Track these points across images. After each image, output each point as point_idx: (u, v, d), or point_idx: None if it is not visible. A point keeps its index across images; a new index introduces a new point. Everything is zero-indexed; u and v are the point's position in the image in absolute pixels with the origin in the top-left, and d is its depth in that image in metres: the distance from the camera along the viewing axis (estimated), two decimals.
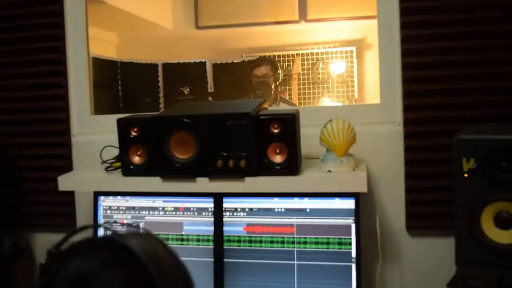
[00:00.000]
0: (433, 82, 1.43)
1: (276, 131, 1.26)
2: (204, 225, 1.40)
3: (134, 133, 1.34)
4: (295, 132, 1.26)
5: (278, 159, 1.27)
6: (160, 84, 3.99)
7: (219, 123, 1.26)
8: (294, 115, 1.26)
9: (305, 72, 4.84)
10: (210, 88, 4.04)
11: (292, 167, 1.26)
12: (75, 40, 1.72)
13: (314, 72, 4.74)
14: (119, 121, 1.34)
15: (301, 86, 4.83)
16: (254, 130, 1.25)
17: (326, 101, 4.47)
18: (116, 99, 3.64)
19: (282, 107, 3.00)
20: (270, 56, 4.53)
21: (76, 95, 1.72)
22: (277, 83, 3.05)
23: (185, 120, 1.28)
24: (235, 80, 3.97)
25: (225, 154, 1.27)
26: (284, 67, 4.70)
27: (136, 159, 1.35)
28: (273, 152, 1.27)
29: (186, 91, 2.84)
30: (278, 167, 1.26)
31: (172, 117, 1.29)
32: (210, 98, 3.64)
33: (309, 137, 1.39)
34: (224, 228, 1.38)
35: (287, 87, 4.78)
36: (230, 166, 1.26)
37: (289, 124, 1.25)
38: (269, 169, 1.26)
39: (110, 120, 1.45)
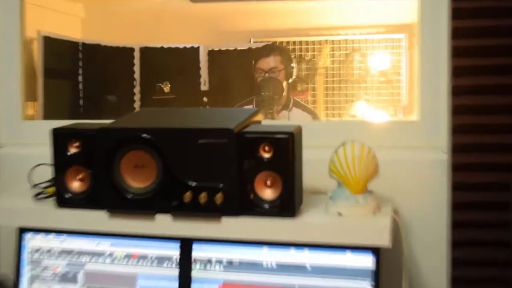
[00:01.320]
0: (494, 93, 1.41)
1: (267, 155, 1.25)
2: (166, 280, 1.38)
3: (74, 150, 1.33)
4: (293, 157, 1.24)
5: (268, 194, 1.26)
6: (136, 75, 4.00)
7: (189, 142, 1.25)
8: (293, 135, 1.24)
9: (335, 66, 4.82)
10: (204, 84, 4.05)
11: (287, 205, 1.24)
12: (2, 9, 1.71)
13: (348, 66, 4.72)
14: (54, 132, 1.33)
15: (329, 85, 4.80)
16: (237, 153, 1.24)
17: (362, 107, 4.46)
18: (75, 95, 3.67)
19: (295, 115, 2.99)
20: (284, 43, 4.55)
21: (2, 91, 1.72)
22: (290, 80, 3.03)
23: (143, 135, 1.27)
24: (239, 75, 3.98)
25: (196, 184, 1.26)
26: (305, 59, 4.70)
27: (76, 186, 1.34)
28: (262, 184, 1.26)
29: (166, 88, 2.83)
30: (268, 205, 1.25)
31: (125, 131, 1.28)
32: (205, 99, 3.65)
33: (318, 163, 1.38)
34: (193, 286, 1.35)
35: (309, 86, 4.78)
36: (202, 201, 1.25)
37: (285, 146, 1.24)
38: (256, 208, 1.25)
39: (49, 128, 1.43)
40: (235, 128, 1.25)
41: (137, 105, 3.98)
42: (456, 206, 1.46)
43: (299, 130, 1.30)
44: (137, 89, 3.91)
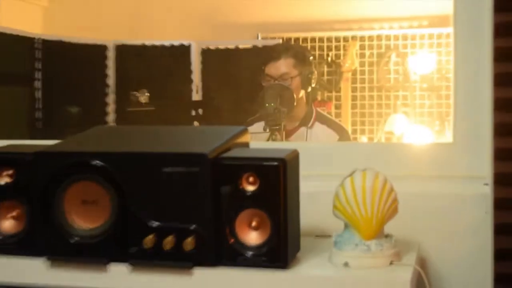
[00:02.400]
0: None
1: (251, 188, 1.25)
2: None
3: (6, 180, 1.34)
4: (285, 190, 1.24)
5: (253, 238, 1.25)
6: (110, 80, 4.03)
7: (151, 170, 1.25)
8: (284, 162, 1.24)
9: (365, 69, 4.81)
10: (196, 91, 4.07)
11: (278, 253, 1.24)
12: None
13: (381, 69, 4.71)
14: None
15: (358, 94, 4.80)
16: (213, 185, 1.24)
17: (400, 121, 4.44)
18: (31, 106, 3.70)
19: (317, 133, 2.99)
20: (301, 40, 4.56)
21: None
22: (309, 88, 3.03)
23: (93, 161, 1.27)
24: (242, 81, 3.99)
25: (160, 225, 1.25)
26: (327, 60, 4.71)
27: (8, 225, 1.35)
28: (245, 226, 1.26)
29: (143, 97, 2.84)
30: (253, 253, 1.25)
31: (71, 156, 1.29)
32: (194, 113, 3.66)
33: (327, 197, 1.37)
34: None
35: (333, 94, 4.78)
36: (168, 247, 1.24)
37: (275, 176, 1.24)
38: (238, 256, 1.25)
39: None
40: (211, 153, 1.25)
41: (111, 118, 4.00)
42: (501, 255, 1.44)
43: (294, 155, 1.30)
44: (110, 98, 3.94)
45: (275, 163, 1.24)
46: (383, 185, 1.29)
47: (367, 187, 1.28)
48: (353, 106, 4.52)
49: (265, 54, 3.18)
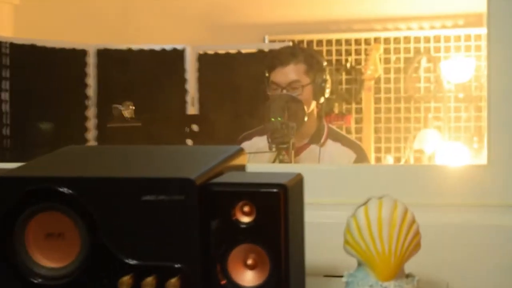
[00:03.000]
0: None
1: (246, 219, 1.24)
2: None
3: None
4: (286, 222, 1.23)
5: (249, 279, 1.24)
6: (91, 90, 4.05)
7: (129, 199, 1.25)
8: (285, 188, 1.23)
9: (391, 76, 4.80)
10: (192, 103, 4.08)
11: None
12: None
13: (410, 77, 4.70)
14: None
15: (382, 105, 4.80)
16: (201, 216, 1.24)
17: (432, 138, 4.43)
18: None
19: (330, 152, 2.98)
20: (314, 42, 4.57)
21: None
22: (322, 99, 3.02)
23: (60, 188, 1.26)
24: (246, 91, 3.98)
25: (139, 263, 1.25)
26: (346, 66, 4.71)
27: None
28: (239, 264, 1.25)
29: (128, 111, 2.83)
30: None
31: (32, 181, 1.28)
32: (188, 129, 3.65)
33: (335, 229, 1.38)
34: None
35: (352, 106, 4.78)
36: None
37: (274, 206, 1.23)
38: None
39: None
40: (198, 178, 1.24)
41: (91, 135, 4.01)
42: None
43: (297, 180, 1.30)
44: (91, 112, 3.95)
45: (275, 190, 1.22)
46: (403, 216, 1.28)
47: (383, 218, 1.28)
48: (377, 120, 4.52)
49: (271, 58, 3.17)
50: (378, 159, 4.53)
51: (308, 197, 1.36)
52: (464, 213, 1.50)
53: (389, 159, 4.48)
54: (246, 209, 1.23)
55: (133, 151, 1.52)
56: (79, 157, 1.46)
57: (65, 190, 1.26)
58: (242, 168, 1.44)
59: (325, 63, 3.10)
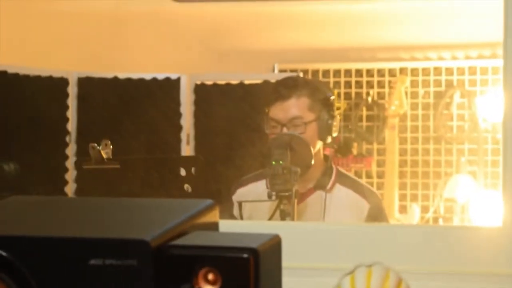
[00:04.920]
0: None
1: None
2: None
3: None
4: None
5: None
6: (71, 125, 4.05)
7: (74, 263, 1.22)
8: (256, 253, 1.20)
9: (419, 113, 4.77)
10: (187, 142, 4.06)
11: None
12: None
13: (440, 114, 4.67)
14: None
15: (408, 146, 4.76)
16: (158, 284, 1.21)
17: (466, 184, 4.40)
18: None
19: (339, 199, 2.95)
20: (331, 72, 4.54)
21: None
22: (329, 139, 3.00)
23: None
24: (250, 127, 3.96)
25: None
26: (367, 100, 4.68)
27: None
28: None
29: (106, 150, 2.80)
30: None
31: None
32: (184, 171, 3.63)
33: None
34: None
35: (374, 146, 4.75)
36: None
37: (243, 273, 1.20)
38: None
39: None
40: (155, 240, 1.21)
41: (71, 176, 4.00)
42: None
43: (272, 243, 1.27)
44: (71, 149, 3.95)
45: (244, 255, 1.19)
46: (395, 287, 1.26)
47: None
48: (402, 163, 4.50)
49: (270, 91, 3.15)
50: (403, 208, 4.49)
51: (292, 260, 1.34)
52: (475, 284, 1.47)
53: (415, 208, 4.44)
54: (210, 277, 1.20)
55: (86, 204, 1.50)
56: (20, 211, 1.43)
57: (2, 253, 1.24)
58: (213, 226, 1.40)
59: (332, 97, 3.07)
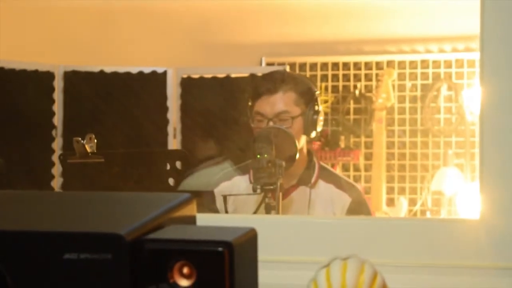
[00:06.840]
0: None
1: (185, 283, 1.22)
2: None
3: None
4: (231, 286, 1.20)
5: None
6: (57, 119, 4.04)
7: (48, 258, 1.23)
8: (231, 246, 1.20)
9: (406, 105, 4.78)
10: (174, 135, 4.06)
11: None
12: None
13: (428, 107, 4.68)
14: None
15: (396, 139, 4.77)
16: (132, 278, 1.21)
17: (453, 177, 4.40)
18: None
19: (321, 195, 2.96)
20: (319, 65, 4.55)
21: None
22: (313, 133, 3.00)
23: None
24: (236, 121, 3.96)
25: None
26: (355, 93, 4.69)
27: None
28: None
29: (90, 144, 2.80)
30: None
31: None
32: (167, 166, 3.63)
33: None
34: None
35: (361, 139, 4.75)
36: None
37: (218, 267, 1.20)
38: None
39: None
40: (130, 233, 1.21)
41: (58, 171, 3.99)
42: None
43: (248, 237, 1.27)
44: (57, 143, 3.94)
45: (218, 249, 1.20)
46: (371, 281, 1.26)
47: (348, 284, 1.25)
48: (389, 156, 4.50)
49: (255, 85, 3.15)
50: (390, 201, 4.50)
51: (272, 253, 1.34)
52: (450, 277, 1.48)
53: (402, 201, 4.45)
54: (185, 270, 1.21)
55: (66, 198, 1.51)
56: None
57: None
58: (190, 220, 1.41)
59: (317, 92, 3.08)
